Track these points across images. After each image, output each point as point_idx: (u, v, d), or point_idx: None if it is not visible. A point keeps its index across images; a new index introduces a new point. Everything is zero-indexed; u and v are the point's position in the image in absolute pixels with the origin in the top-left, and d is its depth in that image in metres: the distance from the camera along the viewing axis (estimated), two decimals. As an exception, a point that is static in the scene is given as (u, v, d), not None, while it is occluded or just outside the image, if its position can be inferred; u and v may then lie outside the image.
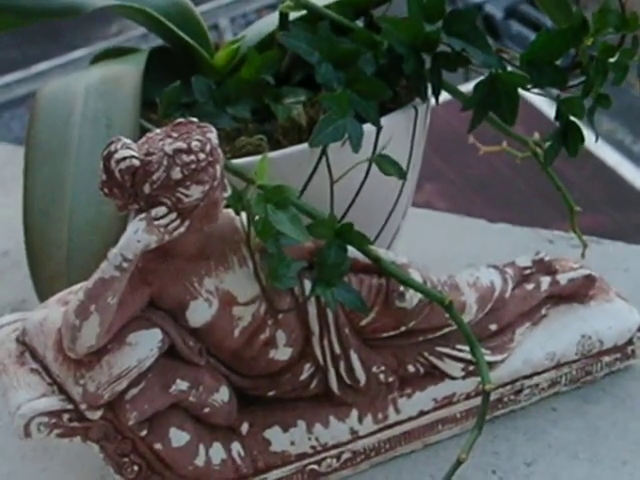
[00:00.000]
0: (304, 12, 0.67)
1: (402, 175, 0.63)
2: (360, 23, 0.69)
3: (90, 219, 0.64)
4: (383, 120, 0.64)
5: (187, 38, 0.69)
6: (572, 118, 0.65)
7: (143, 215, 0.53)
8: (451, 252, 0.84)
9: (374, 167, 0.64)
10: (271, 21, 0.69)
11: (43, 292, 0.64)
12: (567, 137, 0.65)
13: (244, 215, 0.57)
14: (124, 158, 0.52)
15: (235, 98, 0.66)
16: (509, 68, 0.64)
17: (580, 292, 0.69)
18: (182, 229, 0.54)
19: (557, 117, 0.65)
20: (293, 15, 0.67)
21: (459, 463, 0.56)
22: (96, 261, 0.54)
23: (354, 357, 0.62)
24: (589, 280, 0.69)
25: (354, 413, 0.63)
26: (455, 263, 0.81)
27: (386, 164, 0.63)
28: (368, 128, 0.63)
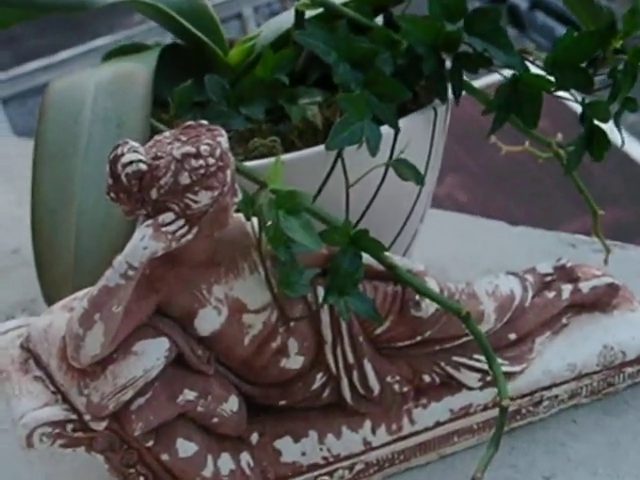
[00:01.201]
0: (321, 10, 0.65)
1: (420, 180, 0.61)
2: (379, 21, 0.67)
3: (99, 221, 0.62)
4: (401, 122, 0.62)
5: (200, 35, 0.67)
6: (597, 122, 0.62)
7: (150, 221, 0.51)
8: (470, 255, 0.83)
9: (391, 169, 0.62)
10: (287, 18, 0.68)
11: (50, 296, 0.62)
12: (592, 142, 0.63)
13: (255, 220, 0.55)
14: (131, 162, 0.50)
15: (249, 98, 0.64)
16: (532, 69, 0.62)
17: (603, 301, 0.67)
18: (190, 236, 0.52)
19: (582, 121, 0.63)
20: (309, 13, 0.65)
21: (474, 482, 0.55)
22: (104, 265, 0.53)
23: (368, 366, 0.60)
24: (612, 288, 0.67)
25: (367, 423, 0.62)
26: (474, 266, 0.80)
27: (404, 168, 0.61)
28: (386, 130, 0.62)
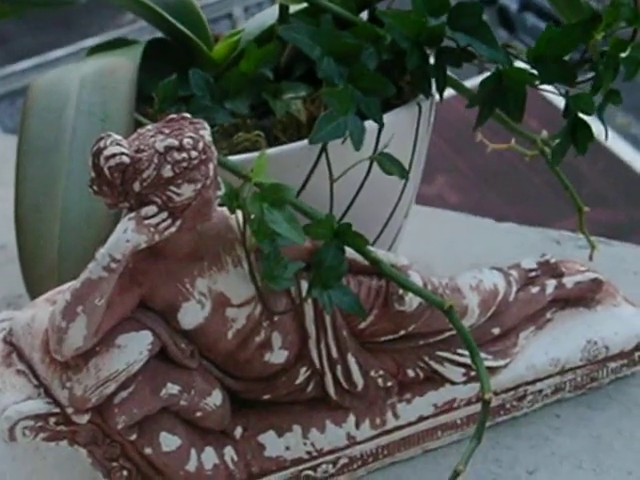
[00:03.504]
0: (305, 5, 0.65)
1: (404, 175, 0.61)
2: (364, 16, 0.67)
3: (83, 215, 0.62)
4: (386, 117, 0.62)
5: (185, 30, 0.67)
6: (581, 115, 0.63)
7: (133, 214, 0.51)
8: (456, 252, 0.83)
9: (375, 165, 0.62)
10: (271, 14, 0.68)
11: (34, 291, 0.62)
12: (576, 134, 0.63)
13: (240, 213, 0.55)
14: (113, 155, 0.50)
15: (233, 93, 0.64)
16: (516, 63, 0.62)
17: (587, 296, 0.68)
18: (173, 229, 0.52)
19: (565, 114, 0.63)
20: (293, 8, 0.65)
21: (456, 474, 0.54)
22: (88, 259, 0.53)
23: (352, 361, 0.60)
24: (596, 284, 0.67)
25: (351, 418, 0.62)
26: (460, 263, 0.80)
27: (388, 163, 0.61)
28: (370, 125, 0.62)
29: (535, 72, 0.61)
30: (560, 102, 0.63)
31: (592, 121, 0.64)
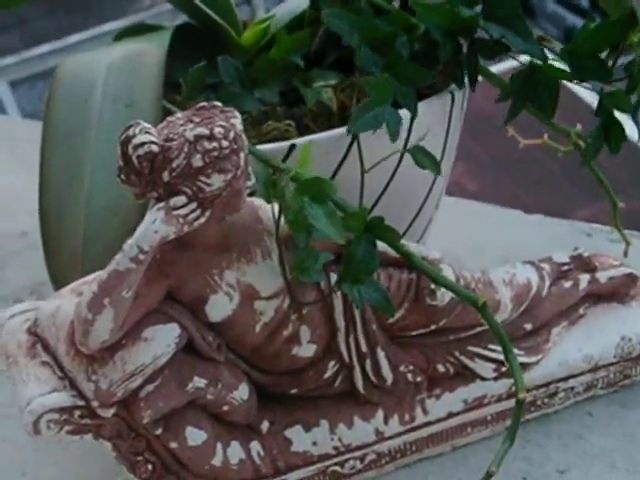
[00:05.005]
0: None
1: (437, 170, 0.60)
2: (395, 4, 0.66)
3: (108, 203, 0.61)
4: (419, 106, 0.61)
5: (214, 15, 0.66)
6: (615, 113, 0.61)
7: (161, 204, 0.50)
8: (485, 243, 0.82)
9: (407, 155, 0.61)
10: (301, 0, 0.66)
11: (58, 280, 0.61)
12: (608, 133, 0.62)
13: (274, 204, 0.54)
14: (142, 144, 0.49)
15: (263, 80, 0.63)
16: (550, 57, 0.61)
17: (620, 291, 0.66)
18: (202, 219, 0.51)
19: (598, 112, 0.62)
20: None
21: (489, 476, 0.53)
22: (113, 249, 0.51)
23: (381, 355, 0.59)
24: (630, 279, 0.66)
25: (380, 413, 0.61)
26: (489, 255, 0.79)
27: (421, 155, 0.59)
28: (403, 113, 0.60)
29: (570, 69, 0.59)
30: (584, 93, 0.62)
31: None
